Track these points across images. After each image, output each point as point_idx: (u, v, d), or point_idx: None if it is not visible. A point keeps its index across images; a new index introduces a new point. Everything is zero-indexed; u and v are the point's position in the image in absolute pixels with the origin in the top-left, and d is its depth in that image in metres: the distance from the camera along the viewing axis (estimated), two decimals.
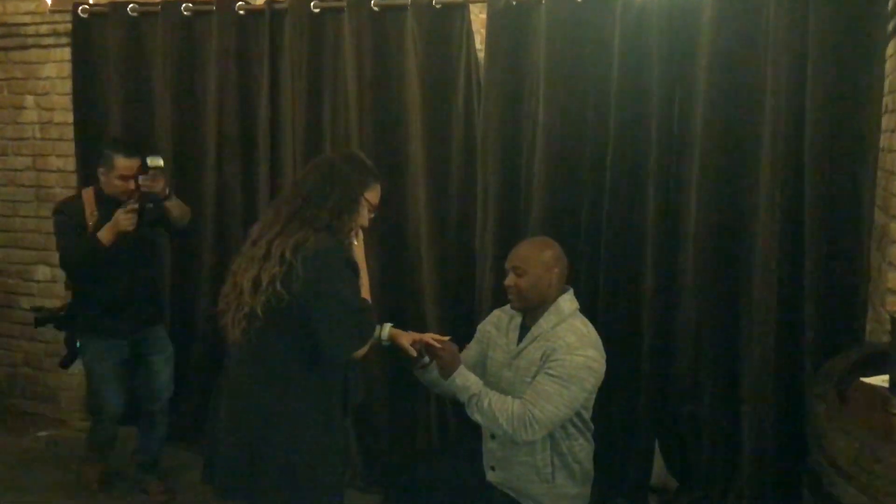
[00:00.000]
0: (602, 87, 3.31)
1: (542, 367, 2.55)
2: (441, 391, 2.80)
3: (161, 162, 3.24)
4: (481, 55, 3.52)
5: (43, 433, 4.49)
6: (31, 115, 4.54)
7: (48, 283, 4.58)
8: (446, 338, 2.65)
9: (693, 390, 3.31)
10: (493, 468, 2.72)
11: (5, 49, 4.52)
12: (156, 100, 4.09)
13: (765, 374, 3.07)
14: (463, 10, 3.50)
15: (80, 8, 4.15)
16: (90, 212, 3.35)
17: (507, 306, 2.81)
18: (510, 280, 2.68)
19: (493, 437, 2.68)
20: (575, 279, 3.41)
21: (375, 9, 3.59)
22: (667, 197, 3.26)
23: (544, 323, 2.66)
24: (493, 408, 2.50)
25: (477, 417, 2.54)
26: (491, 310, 3.49)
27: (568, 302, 2.71)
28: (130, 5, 4.05)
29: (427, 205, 3.59)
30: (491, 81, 3.45)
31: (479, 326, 2.97)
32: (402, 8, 3.56)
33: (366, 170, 2.34)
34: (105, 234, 3.22)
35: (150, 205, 3.26)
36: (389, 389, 3.73)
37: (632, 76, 3.23)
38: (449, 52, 3.54)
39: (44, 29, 4.37)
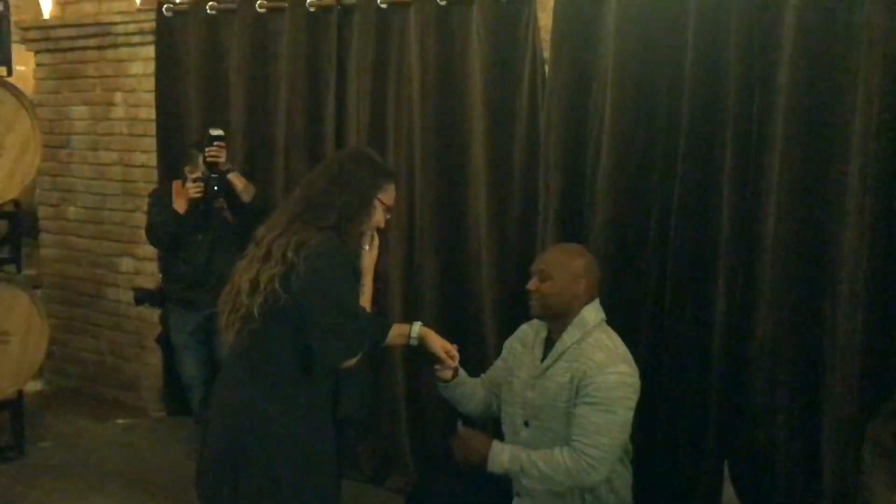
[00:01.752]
0: (674, 84, 3.06)
1: (578, 398, 2.38)
2: (465, 412, 2.67)
3: (221, 132, 3.60)
4: (547, 52, 3.34)
5: (122, 420, 4.63)
6: (119, 111, 4.69)
7: (132, 274, 4.72)
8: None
9: (768, 414, 3.02)
10: (518, 494, 2.55)
11: (100, 48, 4.69)
12: (231, 97, 4.13)
13: (849, 400, 2.76)
14: (529, 3, 3.34)
15: (165, 7, 4.25)
16: (175, 198, 3.71)
17: (534, 320, 2.65)
18: (533, 284, 2.51)
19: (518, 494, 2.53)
20: (642, 289, 3.22)
21: (441, 3, 3.48)
22: (743, 203, 2.98)
23: (568, 338, 2.48)
24: (546, 471, 2.33)
25: (532, 485, 2.39)
26: None
27: (593, 313, 2.53)
28: (210, 3, 4.11)
29: (487, 205, 3.46)
30: (556, 77, 3.27)
31: (506, 343, 2.81)
32: (469, 2, 3.44)
33: (378, 169, 2.22)
34: (178, 204, 3.65)
35: (215, 175, 3.56)
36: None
37: (707, 72, 2.97)
38: (514, 47, 3.39)
39: (132, 28, 4.51)
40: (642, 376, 3.20)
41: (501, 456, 2.38)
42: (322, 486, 2.17)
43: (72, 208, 4.98)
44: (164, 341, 4.13)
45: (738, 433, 3.11)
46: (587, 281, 2.52)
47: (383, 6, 3.63)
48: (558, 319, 2.51)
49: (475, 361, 3.56)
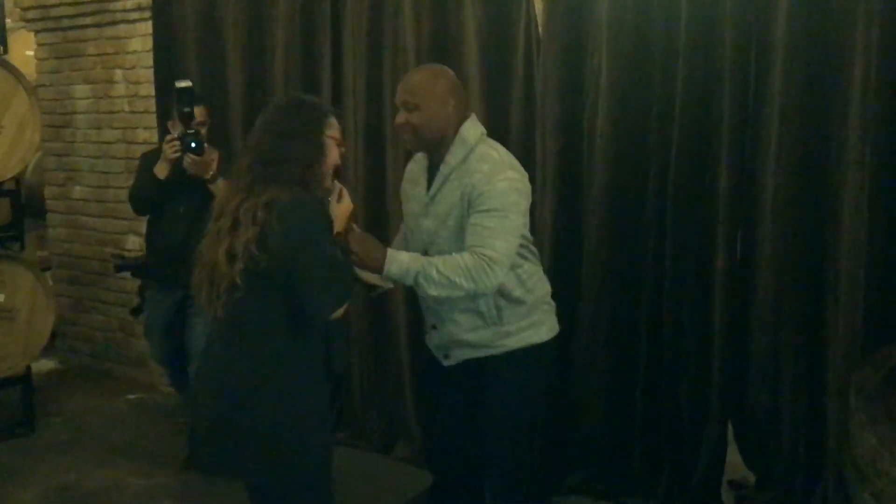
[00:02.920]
0: (670, 40, 3.01)
1: (469, 208, 2.28)
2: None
3: (188, 83, 3.33)
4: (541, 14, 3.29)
5: (132, 396, 4.66)
6: (120, 88, 4.69)
7: (137, 252, 4.72)
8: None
9: (772, 376, 2.98)
10: (434, 326, 2.48)
11: (98, 25, 4.68)
12: (229, 69, 4.11)
13: (852, 361, 2.71)
14: None
15: None
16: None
17: (417, 155, 2.54)
18: (401, 118, 2.36)
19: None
20: (641, 250, 3.18)
21: None
22: (742, 160, 2.94)
23: (451, 159, 2.35)
24: (445, 272, 2.22)
25: (433, 292, 2.25)
26: (549, 274, 3.30)
27: (471, 129, 2.38)
28: None
29: None
30: (550, 37, 3.22)
31: (400, 192, 2.67)
32: None
33: (317, 109, 2.17)
34: (158, 168, 3.38)
35: (191, 132, 3.27)
36: None
37: (703, 27, 2.92)
38: (508, 8, 3.33)
39: (129, 4, 4.49)
40: (643, 338, 3.19)
41: (400, 256, 2.27)
42: (318, 442, 2.16)
43: (77, 188, 5.00)
44: (137, 314, 4.00)
45: (741, 394, 3.08)
46: (455, 100, 2.36)
47: None
48: (437, 147, 2.37)
49: None
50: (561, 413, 3.36)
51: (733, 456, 3.21)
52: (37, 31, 5.00)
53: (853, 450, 1.30)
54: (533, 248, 2.47)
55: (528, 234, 2.43)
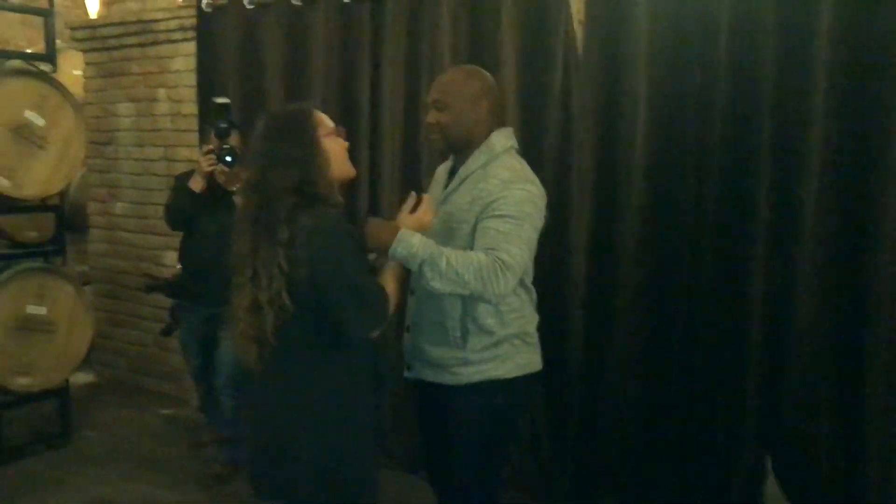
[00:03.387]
0: (709, 62, 2.98)
1: (482, 213, 2.17)
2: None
3: (226, 100, 3.55)
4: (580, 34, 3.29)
5: (165, 411, 4.70)
6: (163, 107, 4.78)
7: (170, 271, 4.78)
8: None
9: (810, 404, 2.91)
10: (408, 328, 2.39)
11: (142, 45, 4.79)
12: (268, 89, 4.17)
13: (894, 388, 2.64)
14: None
15: (205, 3, 4.31)
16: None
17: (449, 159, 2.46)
18: (431, 116, 2.29)
19: (412, 292, 2.35)
20: (676, 273, 3.14)
21: None
22: (782, 182, 2.89)
23: (473, 163, 2.27)
24: (455, 266, 2.06)
25: (436, 285, 2.09)
26: (582, 297, 3.28)
27: (502, 138, 2.30)
28: None
29: None
30: (588, 57, 3.22)
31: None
32: None
33: (293, 117, 2.08)
34: (193, 181, 3.50)
35: (226, 147, 3.41)
36: None
37: (742, 45, 2.89)
38: (546, 32, 3.33)
39: (173, 24, 4.58)
40: (676, 362, 3.14)
41: (412, 238, 2.10)
42: (368, 463, 2.15)
43: (119, 203, 5.09)
44: (168, 334, 4.01)
45: (779, 422, 3.01)
46: (488, 103, 2.28)
47: None
48: (464, 149, 2.30)
49: None
50: (592, 437, 3.32)
51: (773, 487, 3.14)
52: (85, 51, 5.13)
53: None
54: (528, 284, 2.33)
55: (529, 264, 2.28)
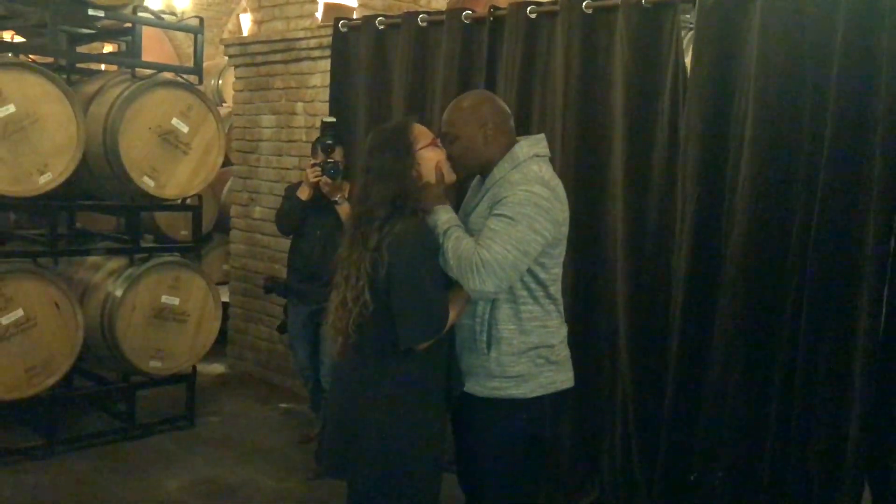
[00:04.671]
0: (820, 91, 2.87)
1: (489, 214, 2.22)
2: None
3: (333, 119, 4.02)
4: (689, 58, 3.24)
5: (283, 405, 4.98)
6: (300, 120, 5.09)
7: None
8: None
9: None
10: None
11: (285, 62, 5.13)
12: (393, 104, 4.36)
13: None
14: (673, 8, 3.26)
15: (341, 23, 4.58)
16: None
17: None
18: (447, 150, 2.33)
19: None
20: (779, 305, 3.02)
21: (587, 11, 3.49)
22: (891, 215, 2.73)
23: (497, 172, 2.30)
24: (449, 247, 2.16)
25: (440, 259, 2.21)
26: (681, 324, 3.21)
27: (525, 147, 2.31)
28: (379, 18, 4.37)
29: (624, 213, 3.39)
30: (697, 82, 3.17)
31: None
32: (613, 9, 3.42)
33: (394, 128, 2.29)
34: (300, 190, 3.88)
35: (330, 161, 3.78)
36: None
37: (855, 77, 2.77)
38: (657, 52, 3.32)
39: (313, 43, 4.88)
40: (775, 385, 3.00)
41: (443, 215, 2.23)
42: (426, 459, 2.25)
43: (258, 208, 5.46)
44: (283, 331, 4.36)
45: (882, 453, 2.82)
46: (494, 122, 2.31)
47: (532, 16, 3.69)
48: (486, 170, 2.34)
49: (607, 371, 3.52)
50: (683, 461, 3.24)
51: None
52: (236, 66, 5.55)
53: None
54: (553, 294, 2.33)
55: (549, 274, 2.29)
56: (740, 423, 3.11)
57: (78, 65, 4.78)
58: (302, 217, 3.89)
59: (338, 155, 3.82)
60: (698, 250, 3.19)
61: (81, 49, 5.17)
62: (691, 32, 3.31)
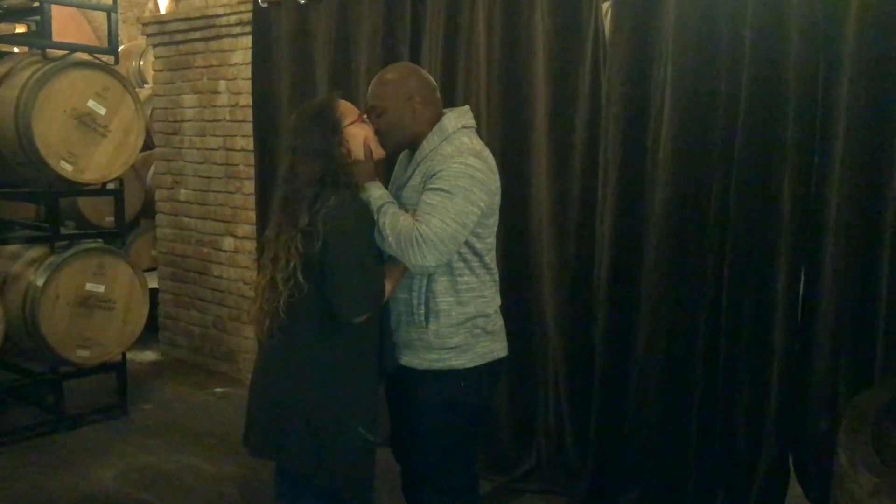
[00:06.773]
0: (735, 57, 2.95)
1: (423, 188, 2.22)
2: None
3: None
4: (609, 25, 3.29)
5: (219, 389, 4.92)
6: (223, 98, 4.99)
7: (232, 253, 5.02)
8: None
9: (831, 404, 2.85)
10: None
11: (205, 39, 5.01)
12: (317, 81, 4.30)
13: None
14: None
15: None
16: None
17: None
18: (375, 124, 2.32)
19: None
20: (701, 268, 3.10)
21: None
22: (806, 178, 2.83)
23: (427, 145, 2.29)
24: (387, 225, 2.16)
25: (377, 238, 2.21)
26: (607, 289, 3.28)
27: (453, 119, 2.30)
28: None
29: (548, 181, 3.44)
30: (617, 49, 3.21)
31: None
32: None
33: (320, 108, 2.25)
34: None
35: None
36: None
37: (769, 39, 2.84)
38: (577, 21, 3.35)
39: (233, 19, 4.78)
40: (699, 358, 3.10)
41: (376, 191, 2.24)
42: (356, 433, 2.24)
43: (183, 191, 5.34)
44: None
45: (801, 423, 2.95)
46: (420, 94, 2.29)
47: None
48: (414, 144, 2.33)
49: (537, 341, 3.57)
50: (615, 430, 3.32)
51: (796, 487, 3.07)
52: (154, 45, 5.40)
53: None
54: (488, 264, 2.34)
55: (484, 244, 2.31)
56: (667, 397, 3.20)
57: None
58: None
59: None
60: (622, 216, 3.26)
61: None
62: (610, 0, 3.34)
